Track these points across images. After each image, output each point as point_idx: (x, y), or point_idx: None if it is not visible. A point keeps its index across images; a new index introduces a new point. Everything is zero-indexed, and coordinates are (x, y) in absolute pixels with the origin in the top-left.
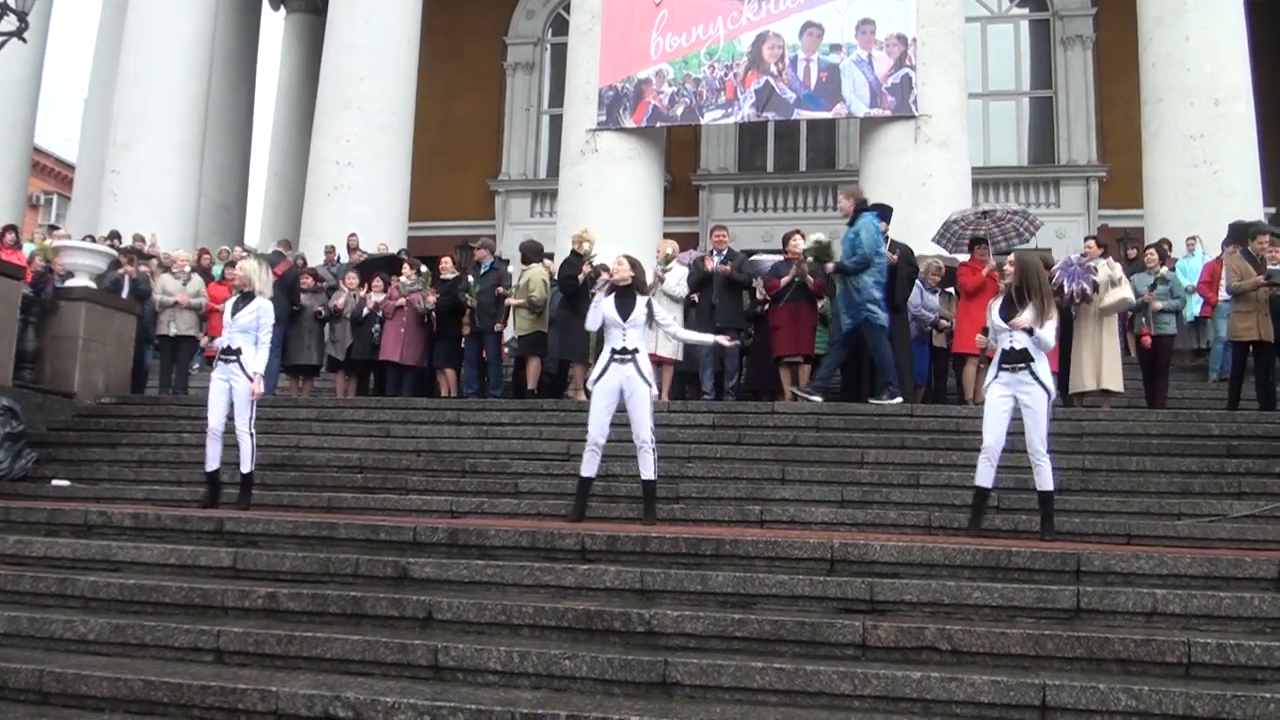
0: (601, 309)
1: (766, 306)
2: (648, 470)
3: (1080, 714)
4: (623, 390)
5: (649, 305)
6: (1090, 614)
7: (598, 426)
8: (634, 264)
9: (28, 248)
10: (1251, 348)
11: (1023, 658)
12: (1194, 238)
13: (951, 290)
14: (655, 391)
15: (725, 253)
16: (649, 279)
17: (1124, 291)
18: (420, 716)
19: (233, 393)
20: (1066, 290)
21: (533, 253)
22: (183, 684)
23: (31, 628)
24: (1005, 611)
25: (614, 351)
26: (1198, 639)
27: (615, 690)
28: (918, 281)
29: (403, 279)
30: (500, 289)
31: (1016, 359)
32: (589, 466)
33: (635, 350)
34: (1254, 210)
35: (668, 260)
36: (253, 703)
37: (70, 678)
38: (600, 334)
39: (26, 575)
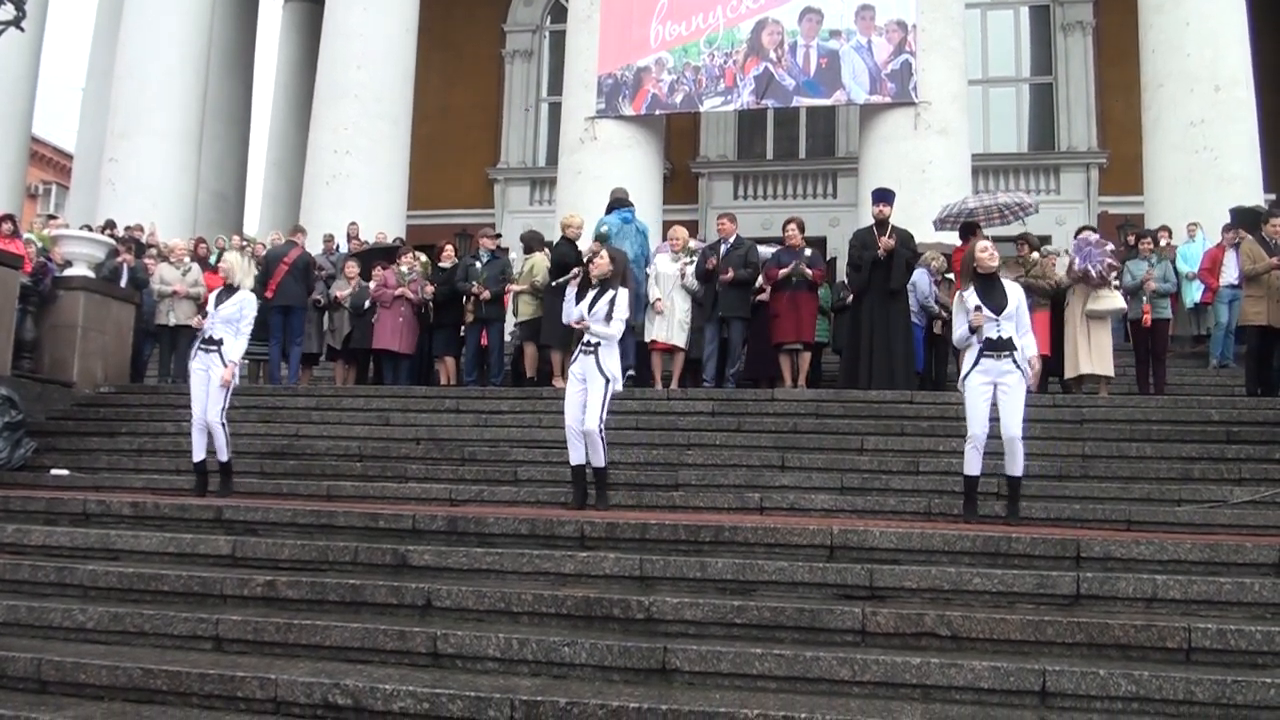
0: (570, 302)
1: (765, 294)
2: (596, 458)
3: (1080, 699)
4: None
5: (611, 302)
6: (1090, 600)
7: (569, 414)
8: (614, 259)
9: (26, 237)
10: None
11: (1023, 643)
12: (1195, 224)
13: (951, 276)
14: (617, 386)
15: (732, 241)
16: (674, 271)
17: (1119, 301)
18: (419, 704)
19: (209, 382)
20: (1077, 268)
21: (535, 241)
22: (181, 672)
23: (30, 616)
24: (1005, 597)
25: (581, 343)
26: (1198, 624)
27: (614, 677)
28: (925, 272)
29: (401, 268)
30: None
31: (1000, 346)
32: (575, 454)
33: (598, 344)
34: (1255, 196)
35: (691, 252)
36: (251, 690)
37: (69, 666)
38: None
39: (25, 564)
